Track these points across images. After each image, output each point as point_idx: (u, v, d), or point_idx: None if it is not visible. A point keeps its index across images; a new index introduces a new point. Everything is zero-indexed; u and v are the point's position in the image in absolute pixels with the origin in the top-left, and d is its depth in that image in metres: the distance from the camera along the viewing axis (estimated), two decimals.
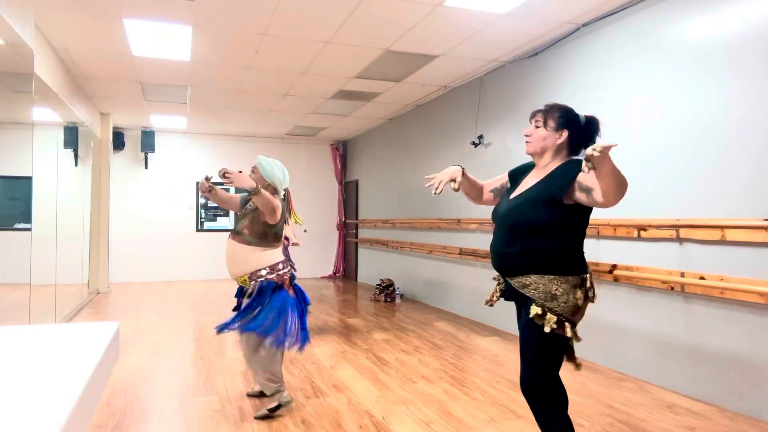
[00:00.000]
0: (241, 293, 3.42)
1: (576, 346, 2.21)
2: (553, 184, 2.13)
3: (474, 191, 2.48)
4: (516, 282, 2.17)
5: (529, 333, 2.14)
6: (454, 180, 2.25)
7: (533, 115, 2.24)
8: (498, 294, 2.30)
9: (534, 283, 2.11)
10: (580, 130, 2.17)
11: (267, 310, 3.21)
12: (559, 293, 2.08)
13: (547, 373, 2.14)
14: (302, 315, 3.36)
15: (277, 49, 5.36)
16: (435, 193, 2.19)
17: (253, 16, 4.52)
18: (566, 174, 2.11)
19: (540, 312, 2.07)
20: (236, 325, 3.29)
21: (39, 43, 4.77)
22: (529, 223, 2.13)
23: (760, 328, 3.20)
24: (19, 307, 4.27)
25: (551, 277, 2.09)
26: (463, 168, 2.33)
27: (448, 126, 6.97)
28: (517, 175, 2.40)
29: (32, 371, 0.79)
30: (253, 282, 3.28)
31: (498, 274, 2.31)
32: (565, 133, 2.15)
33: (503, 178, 2.47)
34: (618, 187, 1.90)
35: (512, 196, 2.29)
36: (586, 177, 2.02)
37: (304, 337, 3.31)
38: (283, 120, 9.07)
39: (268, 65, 5.90)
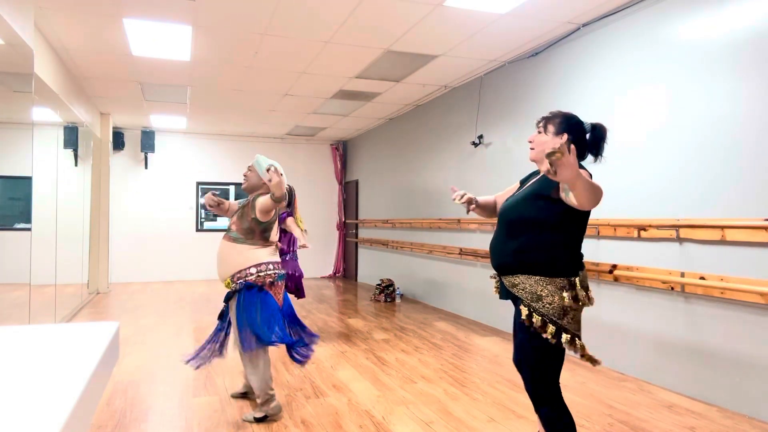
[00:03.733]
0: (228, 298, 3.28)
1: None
2: (545, 180, 2.15)
3: (487, 211, 2.56)
4: (507, 281, 2.21)
5: (519, 333, 2.20)
6: (470, 202, 2.44)
7: (537, 123, 2.28)
8: (497, 288, 2.36)
9: (522, 283, 2.14)
10: (582, 135, 2.18)
11: (240, 311, 3.12)
12: (543, 294, 2.09)
13: (540, 376, 2.13)
14: (285, 322, 3.23)
15: (277, 49, 5.36)
16: (458, 202, 2.41)
17: (253, 16, 4.52)
18: None
19: (527, 313, 2.10)
20: (206, 353, 3.26)
21: (39, 43, 4.77)
22: (521, 219, 2.17)
23: (760, 328, 3.20)
24: (19, 307, 4.27)
25: (537, 278, 2.11)
26: (474, 198, 2.50)
27: (448, 126, 6.97)
28: (525, 180, 2.45)
29: (32, 371, 0.79)
30: (234, 284, 3.15)
31: (495, 272, 2.35)
32: (565, 137, 2.15)
33: (514, 187, 2.48)
34: (585, 194, 1.87)
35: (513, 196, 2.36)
36: None
37: (302, 344, 3.24)
38: (283, 120, 9.07)
39: (268, 65, 5.90)
